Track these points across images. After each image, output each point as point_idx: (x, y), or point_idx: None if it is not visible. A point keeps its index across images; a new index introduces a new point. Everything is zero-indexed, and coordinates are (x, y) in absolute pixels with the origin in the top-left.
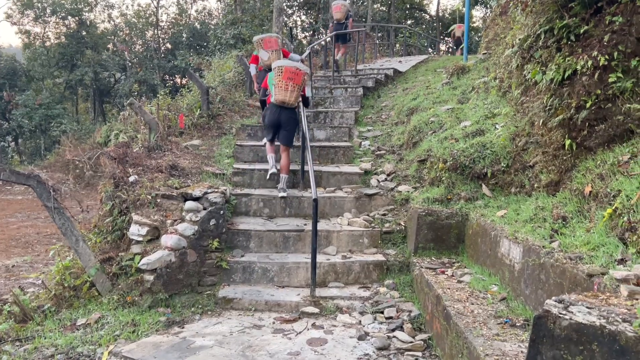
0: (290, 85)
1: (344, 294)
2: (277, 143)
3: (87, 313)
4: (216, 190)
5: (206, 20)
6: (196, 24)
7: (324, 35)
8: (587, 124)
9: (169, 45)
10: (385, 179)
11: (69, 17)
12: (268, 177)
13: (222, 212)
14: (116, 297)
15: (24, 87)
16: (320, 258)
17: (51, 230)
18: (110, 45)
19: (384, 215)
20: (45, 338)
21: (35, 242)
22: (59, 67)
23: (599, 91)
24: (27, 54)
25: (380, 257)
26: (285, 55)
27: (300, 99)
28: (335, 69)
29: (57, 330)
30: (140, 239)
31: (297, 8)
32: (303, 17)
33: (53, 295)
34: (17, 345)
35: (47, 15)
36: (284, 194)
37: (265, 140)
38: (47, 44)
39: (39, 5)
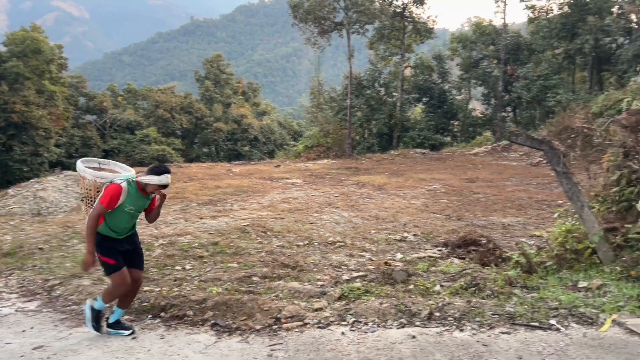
0: None
1: None
2: None
3: (587, 278)
4: None
5: None
6: None
7: None
8: None
9: None
10: None
11: None
12: None
13: None
14: (619, 268)
15: (525, 60)
16: None
17: (542, 196)
18: (614, 9)
19: None
20: (548, 291)
21: (528, 206)
22: (559, 38)
23: None
24: (530, 28)
25: None
26: None
27: None
28: None
29: (559, 287)
30: None
31: None
32: None
33: (555, 254)
34: (525, 292)
35: None
36: None
37: None
38: (550, 15)
39: None
